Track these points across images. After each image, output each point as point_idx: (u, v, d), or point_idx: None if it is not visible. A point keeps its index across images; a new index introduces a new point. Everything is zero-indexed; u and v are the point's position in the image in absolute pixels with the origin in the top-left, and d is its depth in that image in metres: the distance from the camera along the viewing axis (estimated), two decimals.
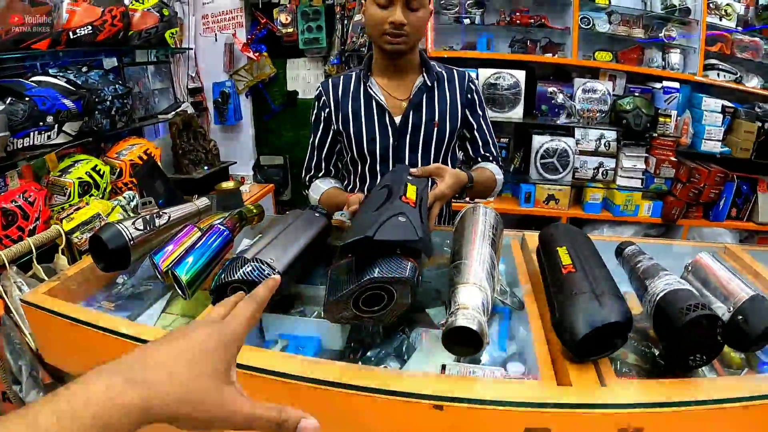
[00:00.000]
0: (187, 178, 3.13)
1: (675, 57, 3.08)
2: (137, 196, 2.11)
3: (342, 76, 1.46)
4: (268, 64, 3.52)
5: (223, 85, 3.57)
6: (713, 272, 0.85)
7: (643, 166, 3.10)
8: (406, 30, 1.25)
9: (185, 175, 3.15)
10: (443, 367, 0.76)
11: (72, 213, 1.79)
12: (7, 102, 1.89)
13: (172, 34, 3.01)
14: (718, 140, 2.99)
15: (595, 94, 3.07)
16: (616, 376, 0.71)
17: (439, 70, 1.42)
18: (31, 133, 1.93)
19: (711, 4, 3.00)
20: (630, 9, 3.11)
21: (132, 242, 1.07)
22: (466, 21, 3.14)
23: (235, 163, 3.64)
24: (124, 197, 2.04)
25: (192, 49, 3.53)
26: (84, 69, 2.40)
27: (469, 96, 1.43)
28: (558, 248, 0.92)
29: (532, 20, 3.09)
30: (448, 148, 1.44)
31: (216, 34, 3.52)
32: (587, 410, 0.63)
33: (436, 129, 1.39)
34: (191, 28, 3.50)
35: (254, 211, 1.34)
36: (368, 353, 0.82)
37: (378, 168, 1.43)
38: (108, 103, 2.38)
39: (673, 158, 3.01)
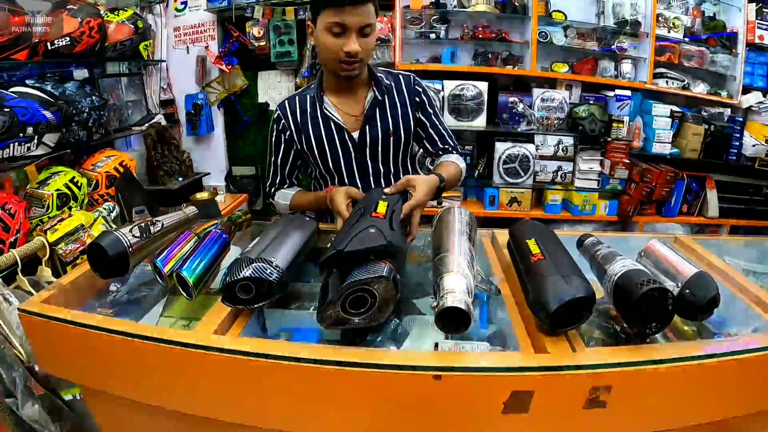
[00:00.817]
0: (162, 189, 3.12)
1: (627, 67, 3.24)
2: (117, 207, 2.13)
3: (297, 97, 1.50)
4: (240, 76, 3.54)
5: (196, 96, 3.56)
6: (663, 255, 0.98)
7: (599, 169, 3.27)
8: (360, 56, 1.31)
9: (161, 186, 3.15)
10: (436, 344, 0.85)
11: (55, 224, 1.79)
12: None
13: (146, 46, 3.01)
14: (668, 142, 3.18)
15: (552, 103, 3.22)
16: (585, 346, 0.82)
17: (387, 82, 1.48)
18: (12, 145, 1.90)
19: (660, 17, 3.18)
20: (584, 23, 3.26)
21: (130, 249, 1.10)
22: (432, 36, 3.26)
23: (209, 174, 3.65)
24: (105, 208, 2.06)
25: (164, 61, 3.51)
26: (57, 80, 2.38)
27: (417, 98, 1.51)
28: (527, 240, 1.03)
29: (494, 35, 3.23)
30: (406, 150, 1.53)
31: (188, 47, 3.50)
32: (564, 372, 0.74)
33: (392, 138, 1.47)
34: (163, 41, 3.47)
35: (243, 217, 1.41)
36: (368, 338, 0.91)
37: (346, 181, 1.50)
38: (85, 114, 2.37)
39: (626, 160, 3.19)
